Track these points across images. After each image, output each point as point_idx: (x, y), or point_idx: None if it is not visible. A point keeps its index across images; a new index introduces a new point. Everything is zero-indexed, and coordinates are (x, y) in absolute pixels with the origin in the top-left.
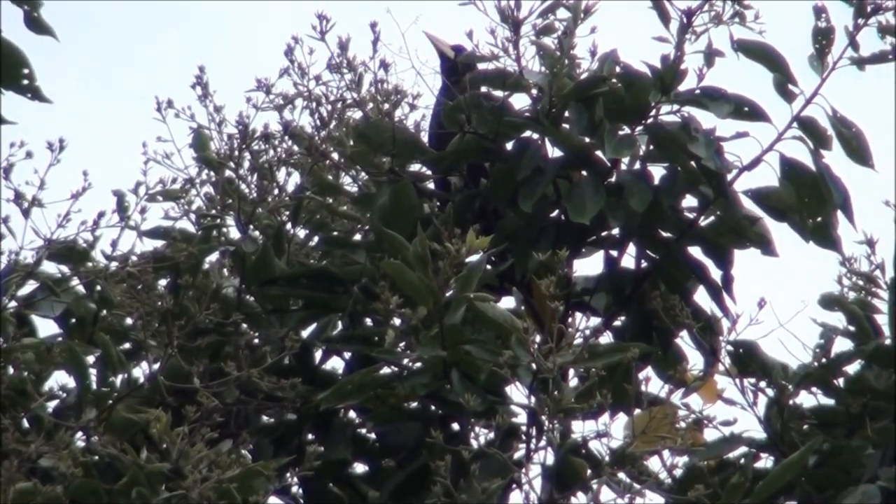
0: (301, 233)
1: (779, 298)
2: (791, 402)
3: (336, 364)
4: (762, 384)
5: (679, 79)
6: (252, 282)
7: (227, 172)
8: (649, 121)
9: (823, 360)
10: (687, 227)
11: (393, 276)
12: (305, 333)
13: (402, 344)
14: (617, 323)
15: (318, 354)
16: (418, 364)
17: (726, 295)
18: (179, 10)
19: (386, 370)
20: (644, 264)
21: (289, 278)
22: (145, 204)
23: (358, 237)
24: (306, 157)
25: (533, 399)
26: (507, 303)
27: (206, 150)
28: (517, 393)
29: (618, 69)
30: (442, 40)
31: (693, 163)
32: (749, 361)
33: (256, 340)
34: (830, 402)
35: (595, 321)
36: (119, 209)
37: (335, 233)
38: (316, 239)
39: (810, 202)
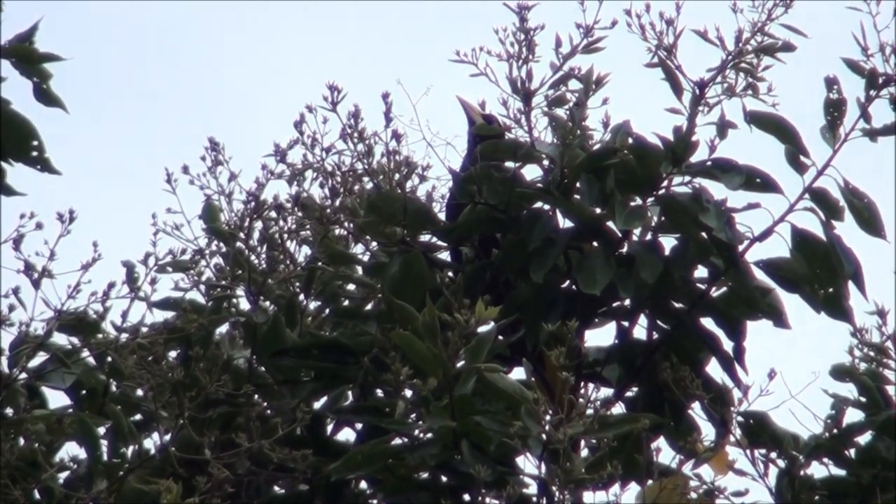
0: (313, 304)
1: (790, 369)
2: (802, 472)
3: (348, 435)
4: (773, 455)
5: (690, 150)
6: (263, 353)
7: (238, 243)
8: (661, 192)
9: (834, 430)
10: (698, 298)
11: (402, 347)
12: (317, 405)
13: (412, 415)
14: (629, 394)
15: (329, 426)
16: (429, 435)
17: (738, 366)
18: (190, 81)
19: (397, 441)
20: (655, 335)
21: (300, 349)
22: (155, 275)
23: (369, 307)
24: (317, 228)
25: (543, 469)
26: (518, 374)
27: (215, 221)
28: (528, 464)
29: (630, 140)
30: (474, 107)
31: (704, 234)
32: (760, 432)
33: (268, 412)
34: (841, 472)
35: (606, 392)
36: (129, 280)
37: (346, 303)
38: (327, 310)
39: (822, 273)
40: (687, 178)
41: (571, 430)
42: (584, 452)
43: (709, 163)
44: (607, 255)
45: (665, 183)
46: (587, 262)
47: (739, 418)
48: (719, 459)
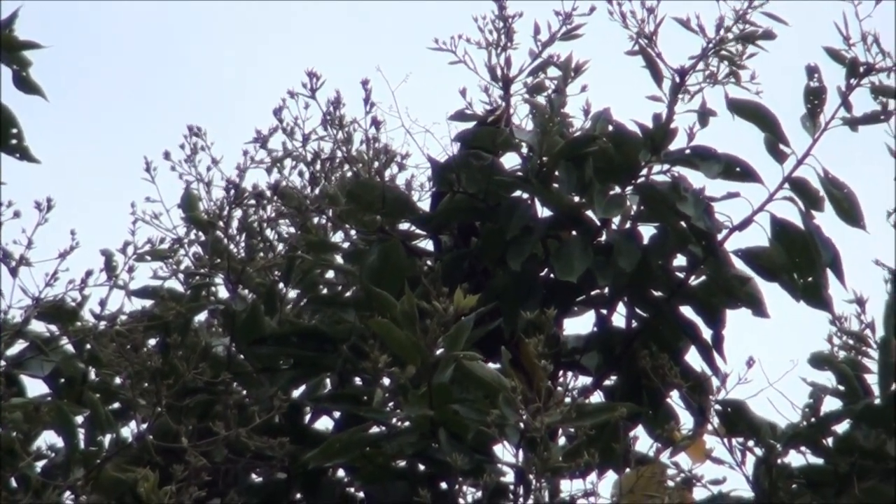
0: (293, 292)
1: (769, 358)
2: (779, 461)
3: (327, 424)
4: (750, 443)
5: (669, 138)
6: (242, 340)
7: (217, 232)
8: (639, 180)
9: (812, 419)
10: (677, 287)
11: (381, 335)
12: (296, 393)
13: (390, 403)
14: (608, 382)
15: (308, 415)
16: (406, 423)
17: (717, 354)
18: (170, 68)
19: (375, 429)
20: (634, 324)
21: (278, 337)
22: (133, 263)
23: (347, 295)
24: (296, 216)
25: (521, 458)
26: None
27: (194, 210)
28: (506, 452)
29: (610, 128)
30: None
31: (683, 222)
32: (737, 420)
33: (246, 400)
34: (819, 461)
35: (585, 380)
36: (107, 268)
37: (324, 291)
38: (304, 299)
39: (801, 262)
40: (666, 167)
41: (549, 418)
42: (562, 441)
43: (687, 151)
44: (585, 244)
45: (644, 171)
46: (565, 249)
47: (717, 406)
48: (696, 448)
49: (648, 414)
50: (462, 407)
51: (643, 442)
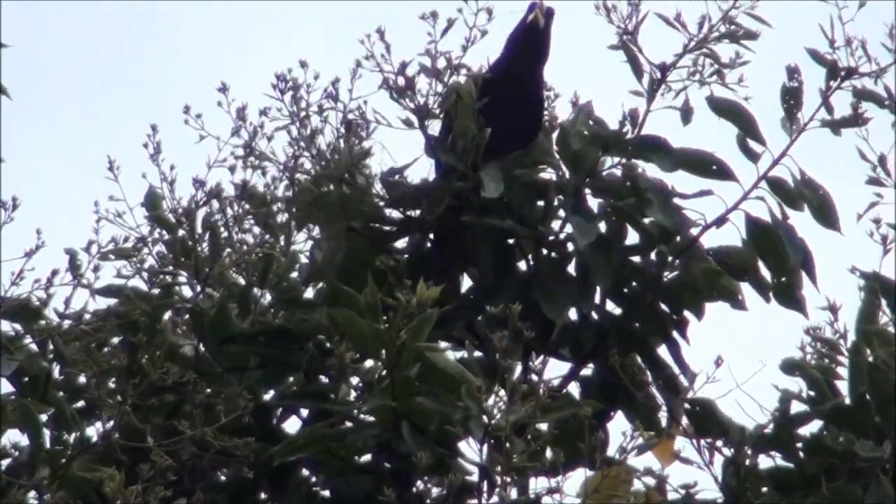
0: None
1: (739, 360)
2: (747, 461)
3: (296, 425)
4: (719, 443)
5: (621, 139)
6: (210, 340)
7: (181, 231)
8: (599, 177)
9: (781, 421)
10: (651, 282)
11: (344, 326)
12: (266, 397)
13: (354, 397)
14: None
15: (277, 415)
16: (370, 417)
17: (682, 340)
18: (136, 67)
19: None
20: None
21: (246, 336)
22: (98, 262)
23: (310, 294)
24: (262, 216)
25: (485, 455)
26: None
27: (158, 209)
28: (471, 448)
29: (590, 122)
30: None
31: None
32: (706, 420)
33: (214, 399)
34: (788, 465)
35: (563, 368)
36: (72, 267)
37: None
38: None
39: (774, 261)
40: (620, 160)
41: (514, 415)
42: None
43: (635, 142)
44: (561, 274)
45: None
46: (546, 285)
47: (686, 406)
48: (665, 448)
49: (631, 403)
50: (425, 399)
51: (617, 439)
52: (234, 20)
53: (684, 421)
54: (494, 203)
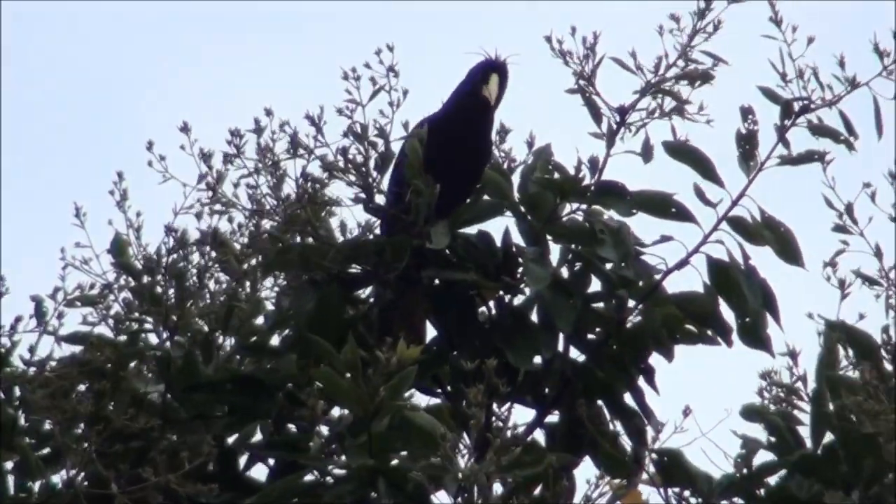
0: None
1: (701, 407)
2: None
3: (261, 471)
4: (686, 493)
5: (578, 185)
6: (177, 387)
7: (148, 277)
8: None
9: (745, 470)
10: (613, 329)
11: (323, 385)
12: (232, 439)
13: (327, 450)
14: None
15: (242, 461)
16: (344, 471)
17: (650, 388)
18: (103, 112)
19: (310, 477)
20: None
21: (213, 384)
22: (63, 309)
23: (275, 341)
24: (230, 264)
25: None
26: None
27: (124, 256)
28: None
29: (549, 167)
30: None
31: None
32: (674, 470)
33: (179, 446)
34: None
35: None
36: (37, 314)
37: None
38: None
39: (738, 302)
40: (580, 206)
41: (484, 468)
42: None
43: (593, 188)
44: (523, 321)
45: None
46: (508, 334)
47: (654, 456)
48: (632, 497)
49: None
50: (402, 458)
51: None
52: (206, 62)
53: (651, 469)
54: (455, 255)
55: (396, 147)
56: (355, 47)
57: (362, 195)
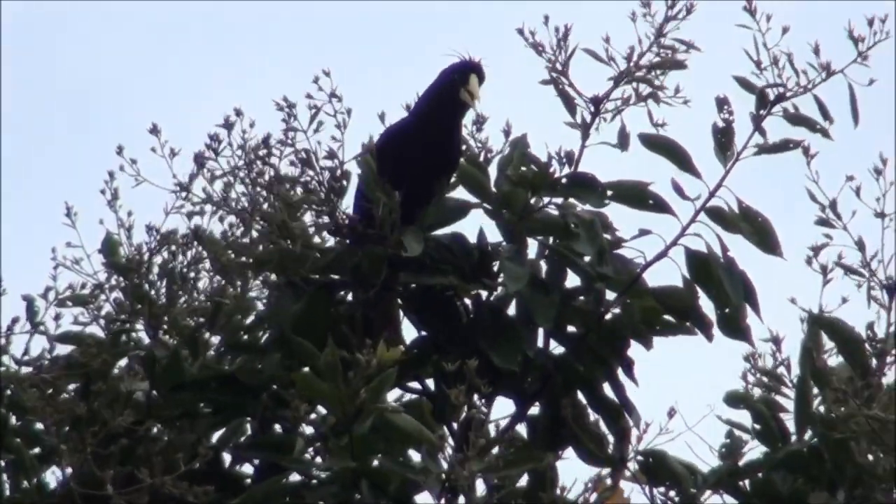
0: (216, 338)
1: (684, 399)
2: None
3: (248, 467)
4: (671, 493)
5: (549, 179)
6: (162, 386)
7: (136, 277)
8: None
9: (732, 465)
10: (594, 322)
11: (303, 387)
12: (215, 437)
13: (311, 449)
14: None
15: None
16: (328, 473)
17: (629, 379)
18: (95, 111)
19: (295, 477)
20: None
21: (198, 383)
22: (56, 309)
23: (264, 340)
24: (216, 263)
25: None
26: None
27: (115, 256)
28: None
29: (524, 157)
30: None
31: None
32: (659, 471)
33: (169, 446)
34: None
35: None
36: (29, 314)
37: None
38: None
39: (717, 294)
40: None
41: (474, 467)
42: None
43: (564, 180)
44: (502, 319)
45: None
46: (489, 334)
47: (639, 458)
48: (616, 497)
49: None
50: (384, 459)
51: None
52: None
53: (633, 466)
54: (429, 259)
55: (354, 166)
56: (326, 48)
57: (325, 220)
